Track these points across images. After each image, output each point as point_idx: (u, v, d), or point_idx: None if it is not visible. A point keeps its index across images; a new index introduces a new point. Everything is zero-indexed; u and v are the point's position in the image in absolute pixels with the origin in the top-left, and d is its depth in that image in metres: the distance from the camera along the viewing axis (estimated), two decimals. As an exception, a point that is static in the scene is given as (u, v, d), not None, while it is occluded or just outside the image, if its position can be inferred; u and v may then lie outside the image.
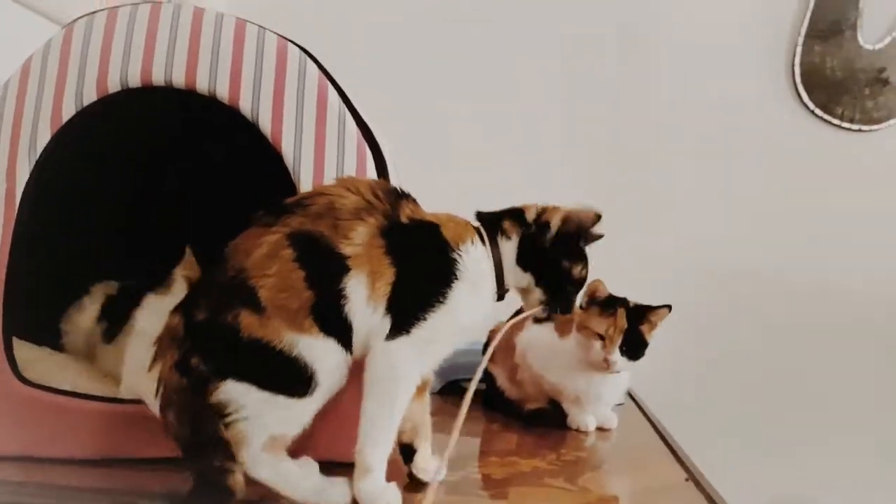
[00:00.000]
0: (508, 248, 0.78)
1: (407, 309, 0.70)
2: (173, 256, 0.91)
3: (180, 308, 0.69)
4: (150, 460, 0.80)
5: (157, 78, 0.85)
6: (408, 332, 0.70)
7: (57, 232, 0.92)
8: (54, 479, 0.77)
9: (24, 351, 0.88)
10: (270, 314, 0.66)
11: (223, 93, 0.85)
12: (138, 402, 0.82)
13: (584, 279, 0.81)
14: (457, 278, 0.72)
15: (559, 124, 1.63)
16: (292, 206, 0.71)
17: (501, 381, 1.19)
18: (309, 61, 0.87)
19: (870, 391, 1.55)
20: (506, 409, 1.18)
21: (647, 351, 1.07)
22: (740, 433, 1.55)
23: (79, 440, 0.82)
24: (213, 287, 0.69)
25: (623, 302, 1.06)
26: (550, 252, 0.78)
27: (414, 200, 0.76)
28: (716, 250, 1.59)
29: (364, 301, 0.69)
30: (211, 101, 0.85)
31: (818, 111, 1.56)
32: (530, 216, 0.79)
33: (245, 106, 0.84)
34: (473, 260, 0.74)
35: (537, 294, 0.78)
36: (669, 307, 1.07)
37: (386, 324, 0.70)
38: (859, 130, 1.56)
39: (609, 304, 1.06)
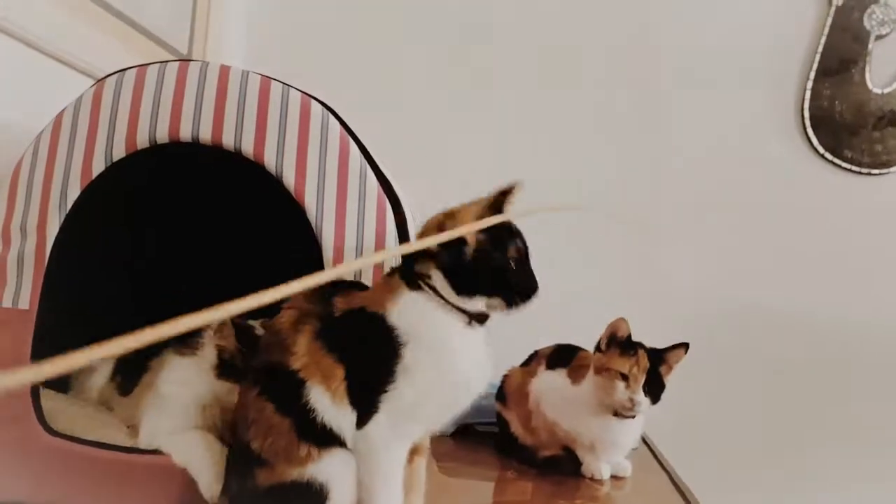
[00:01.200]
0: (440, 285, 0.72)
1: (366, 393, 0.70)
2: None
3: (224, 492, 0.74)
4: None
5: (185, 134, 0.87)
6: (377, 409, 0.69)
7: (81, 288, 0.93)
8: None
9: (50, 401, 0.89)
10: (273, 462, 0.69)
11: (248, 148, 0.87)
12: (162, 453, 0.83)
13: (524, 252, 0.75)
14: (401, 343, 0.70)
15: (567, 161, 1.65)
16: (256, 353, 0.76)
17: (515, 427, 1.20)
18: (331, 117, 0.89)
19: (891, 433, 1.54)
20: (520, 456, 1.18)
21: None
22: (756, 478, 1.54)
23: (105, 491, 0.83)
24: (232, 457, 0.75)
25: (640, 345, 1.06)
26: (477, 262, 0.72)
27: (351, 288, 0.75)
28: (724, 293, 1.59)
29: (331, 406, 0.69)
30: (236, 156, 0.87)
31: (827, 154, 1.58)
32: (434, 244, 0.72)
33: (269, 161, 0.87)
34: (409, 315, 0.71)
35: (496, 303, 0.73)
36: (686, 346, 1.06)
37: (354, 416, 0.70)
38: (868, 174, 1.57)
39: (629, 346, 1.05)
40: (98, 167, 0.88)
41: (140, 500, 0.82)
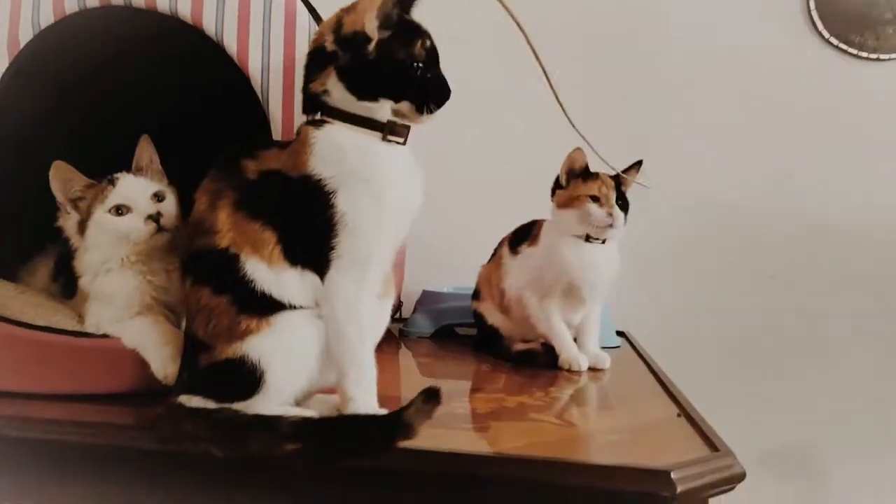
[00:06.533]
0: (338, 96, 0.68)
1: (313, 250, 0.67)
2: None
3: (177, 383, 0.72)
4: (125, 395, 0.79)
5: (116, -3, 0.81)
6: (328, 267, 0.67)
7: (19, 170, 0.88)
8: (31, 413, 0.76)
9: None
10: (213, 344, 0.67)
11: (185, 12, 0.80)
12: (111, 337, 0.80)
13: (432, 52, 0.70)
14: (332, 192, 0.66)
15: (568, 60, 1.54)
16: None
17: (491, 316, 1.17)
18: (276, -24, 0.82)
19: (876, 335, 1.49)
20: (498, 350, 1.15)
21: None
22: (741, 377, 1.51)
23: (57, 376, 0.80)
24: (185, 350, 0.72)
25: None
26: (381, 59, 0.67)
27: (256, 148, 0.71)
28: (723, 186, 1.51)
29: (269, 273, 0.67)
30: (173, 21, 0.80)
31: (833, 40, 1.47)
32: (330, 41, 0.68)
33: (209, 26, 0.80)
34: (328, 158, 0.67)
35: (406, 108, 0.70)
36: (640, 163, 1.08)
37: (311, 276, 0.68)
38: (877, 59, 1.47)
39: (588, 174, 1.07)
40: (25, 36, 0.81)
41: (92, 384, 0.80)
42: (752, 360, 1.52)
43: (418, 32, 0.69)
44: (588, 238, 1.06)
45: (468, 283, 1.27)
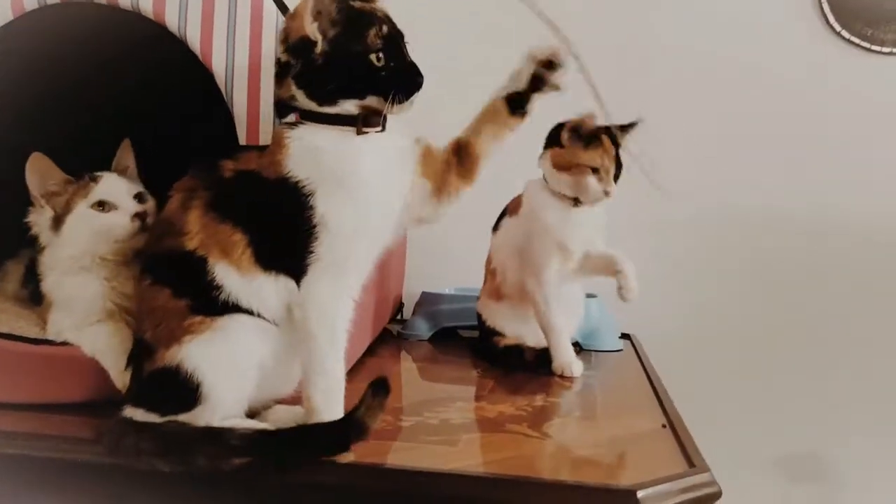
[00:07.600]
0: (303, 102, 0.67)
1: (289, 254, 0.65)
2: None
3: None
4: (85, 404, 0.76)
5: (77, -8, 0.78)
6: (304, 272, 0.65)
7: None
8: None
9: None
10: (157, 348, 0.65)
11: (147, 7, 0.78)
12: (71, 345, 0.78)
13: (391, 36, 0.66)
14: (309, 194, 0.64)
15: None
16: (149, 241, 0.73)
17: (489, 316, 1.13)
18: (242, -31, 0.79)
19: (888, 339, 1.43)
20: (486, 350, 1.12)
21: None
22: (752, 380, 1.45)
23: (15, 382, 0.78)
24: (133, 355, 0.70)
25: (604, 130, 1.00)
26: (332, 59, 0.64)
27: (239, 152, 0.69)
28: (734, 187, 1.44)
29: (240, 279, 0.64)
30: (135, 17, 0.78)
31: (845, 33, 1.41)
32: (281, 51, 0.66)
33: (171, 21, 0.77)
34: (304, 158, 0.64)
35: (375, 102, 0.66)
36: (638, 121, 1.02)
37: (285, 281, 0.65)
38: (891, 53, 1.40)
39: (591, 138, 0.99)
40: (-16, 34, 0.79)
41: (52, 393, 0.78)
42: (763, 363, 1.46)
43: (371, 20, 0.66)
44: (576, 203, 1.02)
45: (473, 284, 1.24)
